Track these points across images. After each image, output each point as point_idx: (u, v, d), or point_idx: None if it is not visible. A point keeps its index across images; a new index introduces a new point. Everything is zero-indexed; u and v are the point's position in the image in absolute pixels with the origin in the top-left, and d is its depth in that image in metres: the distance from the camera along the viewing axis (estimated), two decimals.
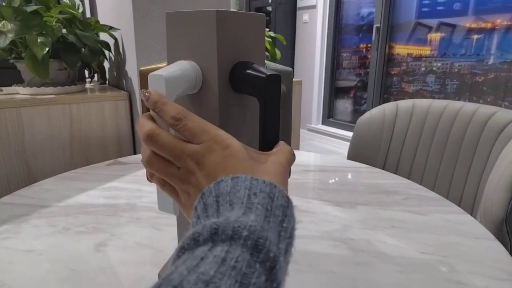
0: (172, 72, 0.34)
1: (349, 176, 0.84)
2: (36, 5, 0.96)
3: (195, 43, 0.35)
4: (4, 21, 0.83)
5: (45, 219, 0.62)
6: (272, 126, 0.34)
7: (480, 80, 2.57)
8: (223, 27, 0.34)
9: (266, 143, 0.34)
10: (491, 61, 2.49)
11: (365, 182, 0.79)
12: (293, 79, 1.54)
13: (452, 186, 1.04)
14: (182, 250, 0.21)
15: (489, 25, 2.48)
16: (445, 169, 1.05)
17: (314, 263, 0.49)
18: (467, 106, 1.05)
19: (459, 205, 0.70)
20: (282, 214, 0.25)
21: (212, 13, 0.33)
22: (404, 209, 0.65)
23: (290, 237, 0.25)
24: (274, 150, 0.33)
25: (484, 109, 1.00)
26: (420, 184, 0.78)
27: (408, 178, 1.08)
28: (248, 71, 0.34)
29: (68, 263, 0.49)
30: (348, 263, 0.49)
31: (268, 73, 0.33)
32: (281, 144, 0.34)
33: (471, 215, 0.63)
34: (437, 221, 0.61)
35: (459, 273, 0.46)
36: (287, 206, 0.26)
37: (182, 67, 0.35)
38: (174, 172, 0.30)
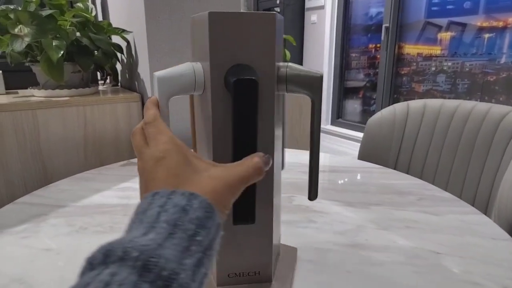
0: (167, 73, 0.35)
1: (362, 177, 0.84)
2: (51, 9, 0.98)
3: (198, 45, 0.37)
4: (20, 25, 0.85)
5: (62, 219, 0.63)
6: (242, 134, 0.32)
7: (492, 79, 2.54)
8: (217, 28, 0.34)
9: (238, 153, 0.32)
10: (503, 60, 2.46)
11: (377, 183, 0.79)
12: None
13: (465, 186, 1.03)
14: (83, 272, 0.22)
15: (500, 24, 2.45)
16: (457, 170, 1.04)
17: (330, 263, 0.49)
18: (480, 106, 1.04)
19: (472, 205, 0.70)
20: (196, 227, 0.24)
21: (204, 15, 0.34)
22: (418, 210, 0.65)
23: (207, 249, 0.24)
24: (236, 162, 0.32)
25: (497, 109, 0.99)
26: (432, 184, 0.78)
27: (420, 178, 1.08)
28: (228, 75, 0.34)
29: None
30: (363, 263, 0.49)
31: (236, 78, 0.32)
32: (254, 155, 0.32)
33: (485, 215, 0.63)
34: (452, 222, 0.60)
35: (476, 275, 0.46)
36: (208, 217, 0.25)
37: (183, 68, 0.36)
38: (138, 169, 0.32)
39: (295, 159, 0.96)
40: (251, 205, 0.33)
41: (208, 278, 0.24)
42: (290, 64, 0.39)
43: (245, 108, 0.32)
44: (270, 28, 0.35)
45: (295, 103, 1.50)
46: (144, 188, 0.30)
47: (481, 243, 0.54)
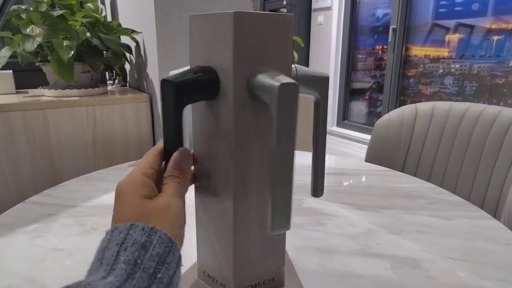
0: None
1: (371, 180, 0.84)
2: (61, 9, 0.99)
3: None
4: (32, 25, 0.86)
5: (73, 219, 0.63)
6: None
7: (500, 82, 2.52)
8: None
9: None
10: None
11: (387, 186, 0.78)
12: None
13: (473, 190, 1.02)
14: None
15: (510, 26, 2.43)
16: (466, 173, 1.03)
17: (342, 267, 0.48)
18: (489, 109, 1.03)
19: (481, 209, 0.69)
20: (157, 264, 0.24)
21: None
22: (429, 214, 0.64)
23: (167, 286, 0.25)
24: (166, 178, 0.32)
25: (507, 112, 0.98)
26: (441, 187, 0.78)
27: (428, 181, 1.07)
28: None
29: None
30: (375, 267, 0.49)
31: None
32: (169, 166, 0.33)
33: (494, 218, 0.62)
34: (464, 226, 0.60)
35: (490, 280, 0.46)
36: (168, 251, 0.25)
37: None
38: None
39: (303, 161, 0.95)
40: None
41: None
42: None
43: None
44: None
45: (303, 104, 1.50)
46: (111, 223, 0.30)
47: (494, 248, 0.53)
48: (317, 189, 0.44)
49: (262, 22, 0.32)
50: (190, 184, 0.37)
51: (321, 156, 0.42)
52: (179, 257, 0.27)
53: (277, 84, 0.28)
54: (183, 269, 0.44)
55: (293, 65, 0.39)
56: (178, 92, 0.32)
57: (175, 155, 0.33)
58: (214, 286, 0.41)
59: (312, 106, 0.42)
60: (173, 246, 0.26)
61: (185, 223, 0.32)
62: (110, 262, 0.24)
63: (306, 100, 1.52)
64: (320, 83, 0.39)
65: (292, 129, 0.29)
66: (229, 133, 0.34)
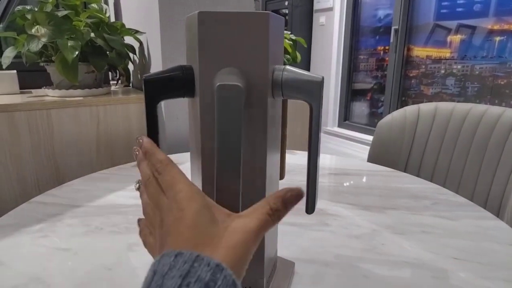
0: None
1: (374, 180, 0.84)
2: (65, 9, 0.99)
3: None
4: (37, 26, 0.86)
5: (78, 219, 0.63)
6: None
7: (502, 83, 2.51)
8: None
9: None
10: None
11: (391, 186, 0.79)
12: None
13: (476, 190, 1.02)
14: None
15: None
16: (469, 173, 1.03)
17: (346, 268, 0.49)
18: (492, 110, 1.03)
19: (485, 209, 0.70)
20: None
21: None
22: (434, 214, 0.64)
23: None
24: (250, 209, 0.29)
25: (510, 113, 0.98)
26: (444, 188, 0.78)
27: (431, 181, 1.07)
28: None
29: (104, 262, 0.50)
30: (380, 268, 0.49)
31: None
32: (262, 200, 0.29)
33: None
34: (468, 227, 0.60)
35: (494, 280, 0.46)
36: None
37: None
38: (152, 218, 0.31)
39: (305, 162, 0.95)
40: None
41: None
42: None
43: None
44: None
45: (301, 103, 1.50)
46: (160, 240, 0.28)
47: (499, 248, 0.53)
48: (308, 206, 0.40)
49: (229, 21, 0.32)
50: None
51: (312, 167, 0.38)
52: None
53: (217, 84, 0.29)
54: None
55: (282, 67, 0.36)
56: (150, 88, 0.34)
57: (286, 190, 0.29)
58: None
59: (307, 106, 0.40)
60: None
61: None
62: None
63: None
64: (311, 88, 0.34)
65: (234, 130, 0.30)
66: (197, 132, 0.35)
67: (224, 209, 0.30)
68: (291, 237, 0.57)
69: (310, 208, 0.38)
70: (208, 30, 0.32)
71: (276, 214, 0.28)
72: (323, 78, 0.34)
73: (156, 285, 0.23)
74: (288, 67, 0.35)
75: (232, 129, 0.30)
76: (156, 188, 0.30)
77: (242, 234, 0.26)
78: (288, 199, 0.28)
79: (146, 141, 0.33)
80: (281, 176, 0.45)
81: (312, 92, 0.34)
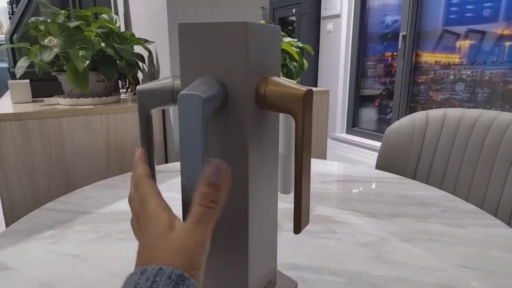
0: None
1: (382, 187, 0.84)
2: (77, 20, 1.02)
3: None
4: (50, 36, 0.88)
5: (87, 225, 0.64)
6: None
7: None
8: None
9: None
10: None
11: (398, 193, 0.78)
12: (320, 89, 1.55)
13: (486, 198, 1.00)
14: None
15: None
16: (479, 180, 1.02)
17: (354, 276, 0.48)
18: (502, 116, 1.02)
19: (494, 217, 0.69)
20: None
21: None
22: (442, 222, 0.64)
23: None
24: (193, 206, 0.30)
25: None
26: (452, 195, 0.77)
27: (440, 189, 1.06)
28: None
29: (113, 269, 0.51)
30: (388, 276, 0.48)
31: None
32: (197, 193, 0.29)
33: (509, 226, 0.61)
34: (477, 235, 0.59)
35: None
36: None
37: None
38: (134, 224, 0.34)
39: (312, 168, 0.96)
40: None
41: None
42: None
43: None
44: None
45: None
46: (138, 246, 0.30)
47: (508, 257, 0.53)
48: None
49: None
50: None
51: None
52: None
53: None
54: None
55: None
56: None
57: (207, 169, 0.29)
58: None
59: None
60: (184, 281, 0.25)
61: (207, 251, 0.29)
62: None
63: (315, 103, 1.52)
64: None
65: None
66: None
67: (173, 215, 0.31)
68: (297, 245, 0.57)
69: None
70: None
71: (207, 198, 0.28)
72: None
73: None
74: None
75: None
76: (135, 199, 0.33)
77: (188, 237, 0.28)
78: (208, 178, 0.29)
79: (136, 154, 0.36)
80: (288, 190, 0.44)
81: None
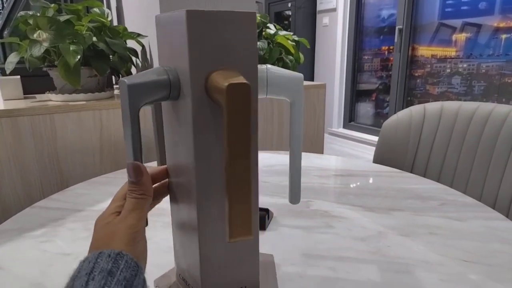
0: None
1: (380, 181, 0.83)
2: (67, 14, 0.99)
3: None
4: (39, 30, 0.86)
5: (80, 223, 0.63)
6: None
7: (509, 81, 2.48)
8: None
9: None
10: None
11: (397, 187, 0.77)
12: (316, 83, 1.53)
13: (484, 190, 1.00)
14: None
15: None
16: (477, 173, 1.01)
17: (352, 271, 0.47)
18: (499, 108, 1.01)
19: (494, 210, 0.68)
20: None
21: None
22: (441, 215, 0.63)
23: None
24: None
25: None
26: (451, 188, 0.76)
27: (438, 182, 1.05)
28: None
29: None
30: (387, 271, 0.47)
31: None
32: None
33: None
34: (477, 228, 0.58)
35: (504, 283, 0.44)
36: (135, 275, 0.28)
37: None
38: None
39: (309, 163, 0.95)
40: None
41: None
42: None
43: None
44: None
45: (306, 104, 1.49)
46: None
47: (508, 250, 0.52)
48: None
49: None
50: (164, 195, 0.40)
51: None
52: (144, 280, 0.29)
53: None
54: (167, 268, 0.45)
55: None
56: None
57: (127, 168, 0.34)
58: None
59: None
60: (138, 270, 0.28)
61: (143, 237, 0.33)
62: None
63: (311, 100, 1.50)
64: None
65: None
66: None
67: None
68: (295, 240, 0.56)
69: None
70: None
71: (134, 193, 0.33)
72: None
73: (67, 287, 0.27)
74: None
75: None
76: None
77: (121, 222, 0.32)
78: (128, 175, 0.34)
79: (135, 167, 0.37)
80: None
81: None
